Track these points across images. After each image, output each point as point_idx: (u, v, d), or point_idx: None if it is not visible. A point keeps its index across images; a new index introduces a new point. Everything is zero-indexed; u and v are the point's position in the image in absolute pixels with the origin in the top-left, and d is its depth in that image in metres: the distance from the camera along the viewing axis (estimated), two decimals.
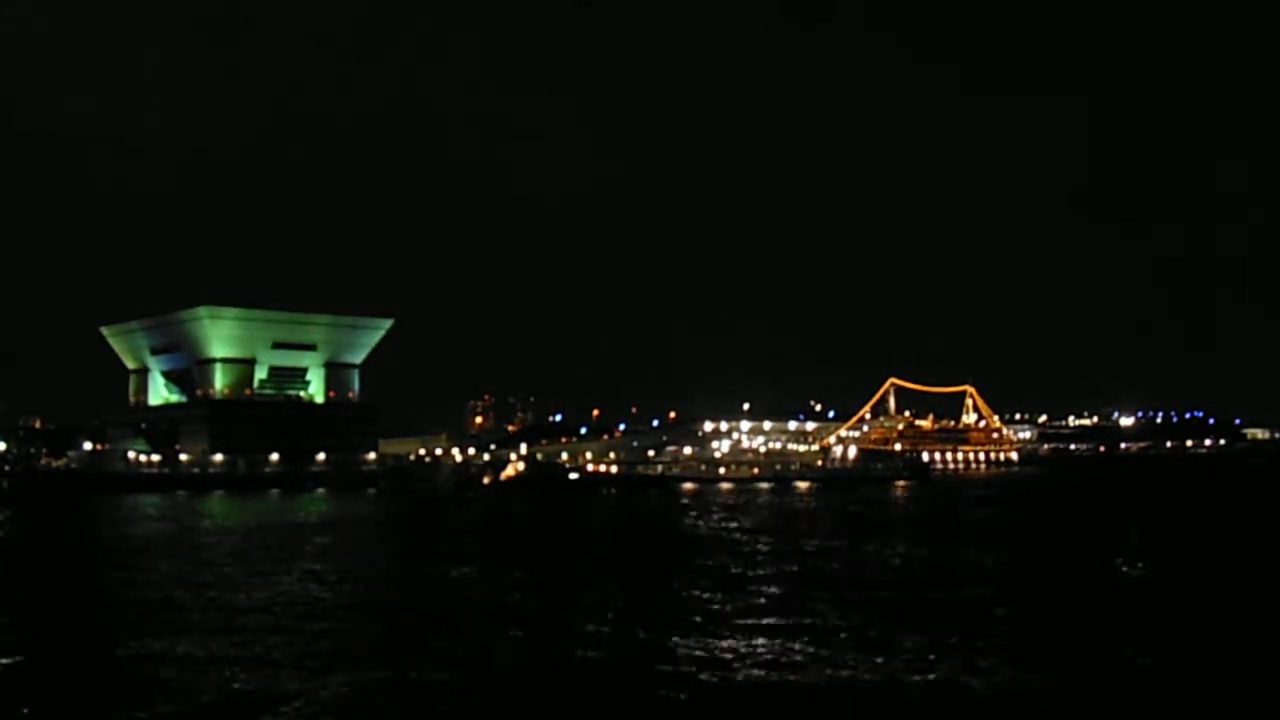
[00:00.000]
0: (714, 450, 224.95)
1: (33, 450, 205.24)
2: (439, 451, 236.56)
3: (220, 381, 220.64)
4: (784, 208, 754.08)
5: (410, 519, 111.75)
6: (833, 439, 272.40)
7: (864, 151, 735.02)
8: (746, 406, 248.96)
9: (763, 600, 45.20)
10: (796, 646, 34.85)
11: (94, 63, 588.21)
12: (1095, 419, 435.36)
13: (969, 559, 63.80)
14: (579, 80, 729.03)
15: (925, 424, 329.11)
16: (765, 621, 39.19)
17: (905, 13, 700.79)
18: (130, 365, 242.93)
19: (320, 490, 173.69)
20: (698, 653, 33.88)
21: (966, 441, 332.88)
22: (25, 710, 27.91)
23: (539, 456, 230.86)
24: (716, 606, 43.35)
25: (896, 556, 64.34)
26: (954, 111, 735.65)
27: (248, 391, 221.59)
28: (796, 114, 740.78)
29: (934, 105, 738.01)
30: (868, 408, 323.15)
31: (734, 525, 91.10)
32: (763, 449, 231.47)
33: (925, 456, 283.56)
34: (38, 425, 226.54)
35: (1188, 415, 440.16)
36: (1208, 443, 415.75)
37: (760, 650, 34.12)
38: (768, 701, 28.33)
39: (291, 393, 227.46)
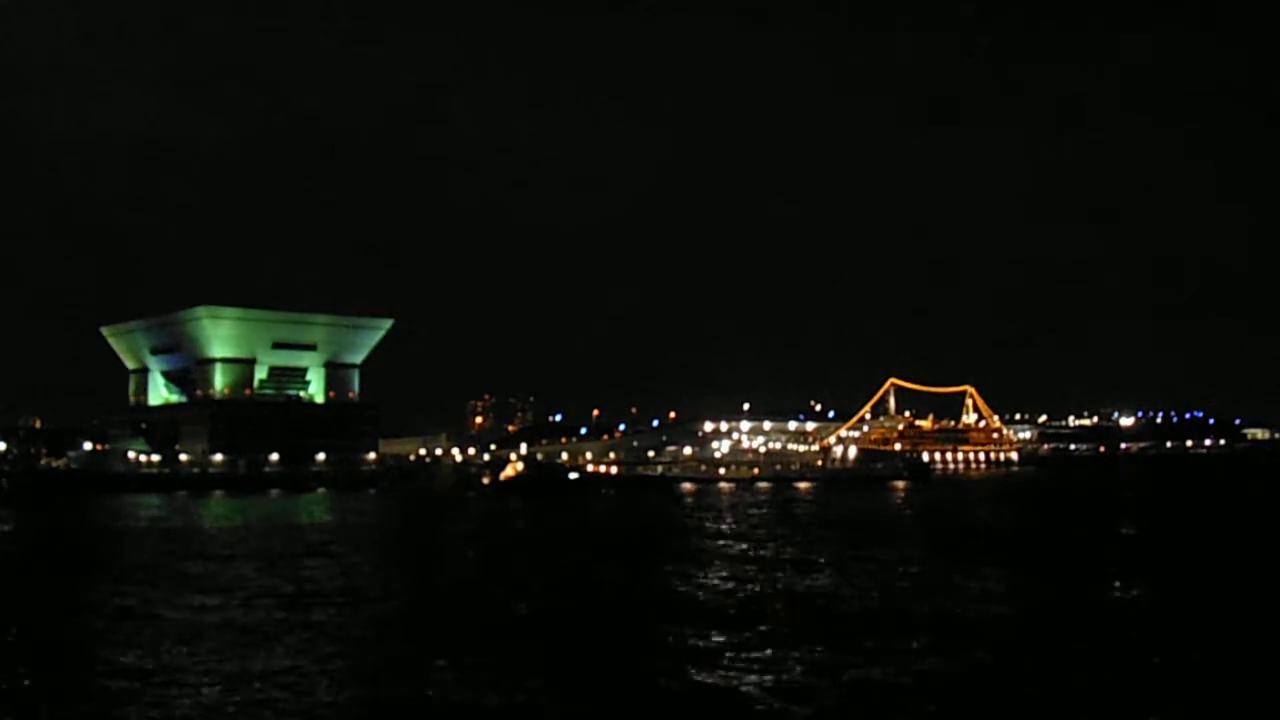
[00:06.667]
0: (714, 450, 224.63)
1: (33, 450, 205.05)
2: (439, 451, 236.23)
3: (220, 381, 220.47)
4: (785, 207, 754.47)
5: (409, 519, 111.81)
6: (833, 439, 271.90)
7: (865, 151, 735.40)
8: (746, 406, 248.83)
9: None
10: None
11: (94, 66, 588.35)
12: (1095, 419, 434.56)
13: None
14: (580, 81, 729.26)
15: (925, 424, 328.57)
16: None
17: (905, 9, 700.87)
18: (130, 365, 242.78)
19: (320, 490, 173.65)
20: None
21: (966, 441, 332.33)
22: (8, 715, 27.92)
23: (539, 456, 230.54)
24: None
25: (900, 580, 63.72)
26: (956, 118, 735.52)
27: (248, 391, 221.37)
28: (798, 114, 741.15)
29: (935, 104, 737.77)
30: (868, 408, 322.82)
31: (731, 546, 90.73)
32: (763, 449, 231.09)
33: (925, 456, 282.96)
34: (38, 425, 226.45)
35: (1188, 415, 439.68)
36: (1208, 443, 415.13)
37: None
38: None
39: (291, 393, 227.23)
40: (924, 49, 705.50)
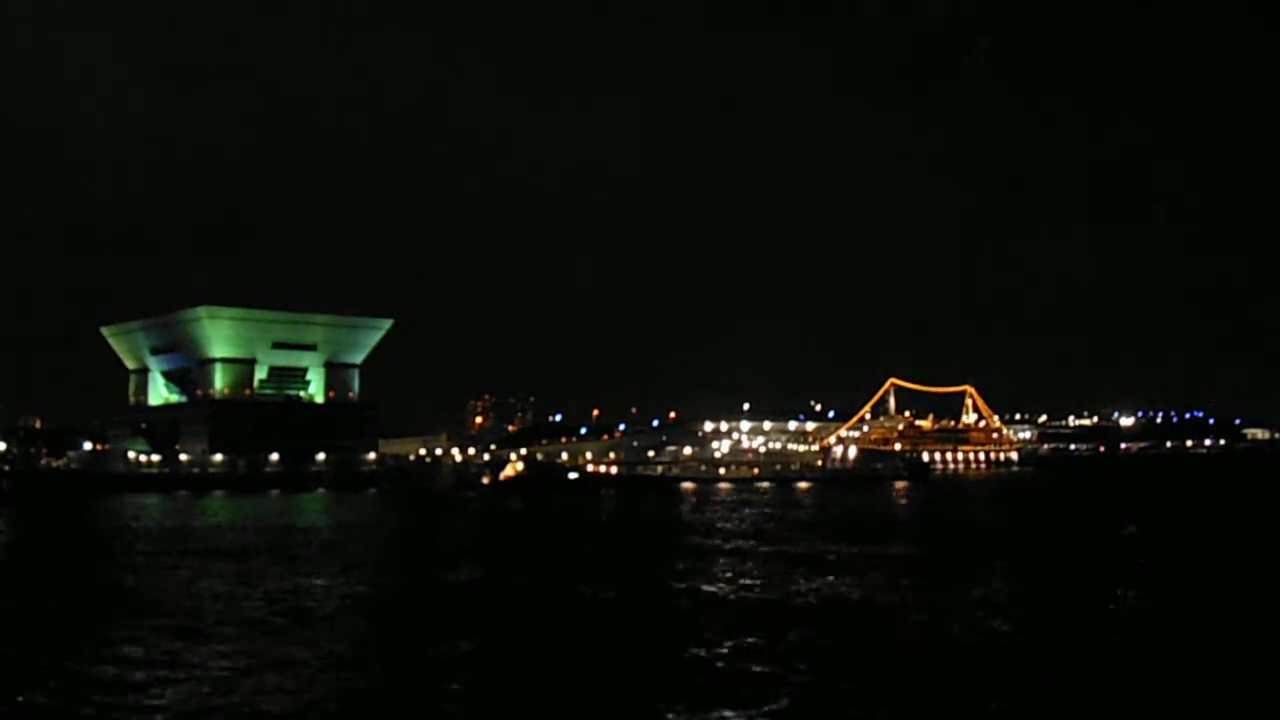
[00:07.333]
0: (714, 450, 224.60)
1: (33, 450, 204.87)
2: (439, 451, 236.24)
3: (220, 381, 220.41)
4: (785, 208, 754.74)
5: (409, 520, 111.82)
6: (833, 439, 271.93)
7: (866, 152, 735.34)
8: (746, 406, 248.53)
9: None
10: None
11: (94, 65, 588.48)
12: (1095, 419, 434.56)
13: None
14: (580, 80, 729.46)
15: (925, 424, 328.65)
16: None
17: (912, 9, 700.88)
18: (130, 365, 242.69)
19: (320, 490, 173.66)
20: None
21: (966, 441, 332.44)
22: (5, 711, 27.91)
23: (539, 456, 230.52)
24: None
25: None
26: (954, 114, 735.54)
27: (248, 391, 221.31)
28: (799, 114, 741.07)
29: (938, 108, 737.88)
30: (868, 408, 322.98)
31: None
32: (763, 449, 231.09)
33: (925, 456, 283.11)
34: (38, 425, 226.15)
35: (1188, 415, 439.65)
36: (1208, 443, 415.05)
37: None
38: None
39: (291, 393, 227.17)
40: (923, 49, 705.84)
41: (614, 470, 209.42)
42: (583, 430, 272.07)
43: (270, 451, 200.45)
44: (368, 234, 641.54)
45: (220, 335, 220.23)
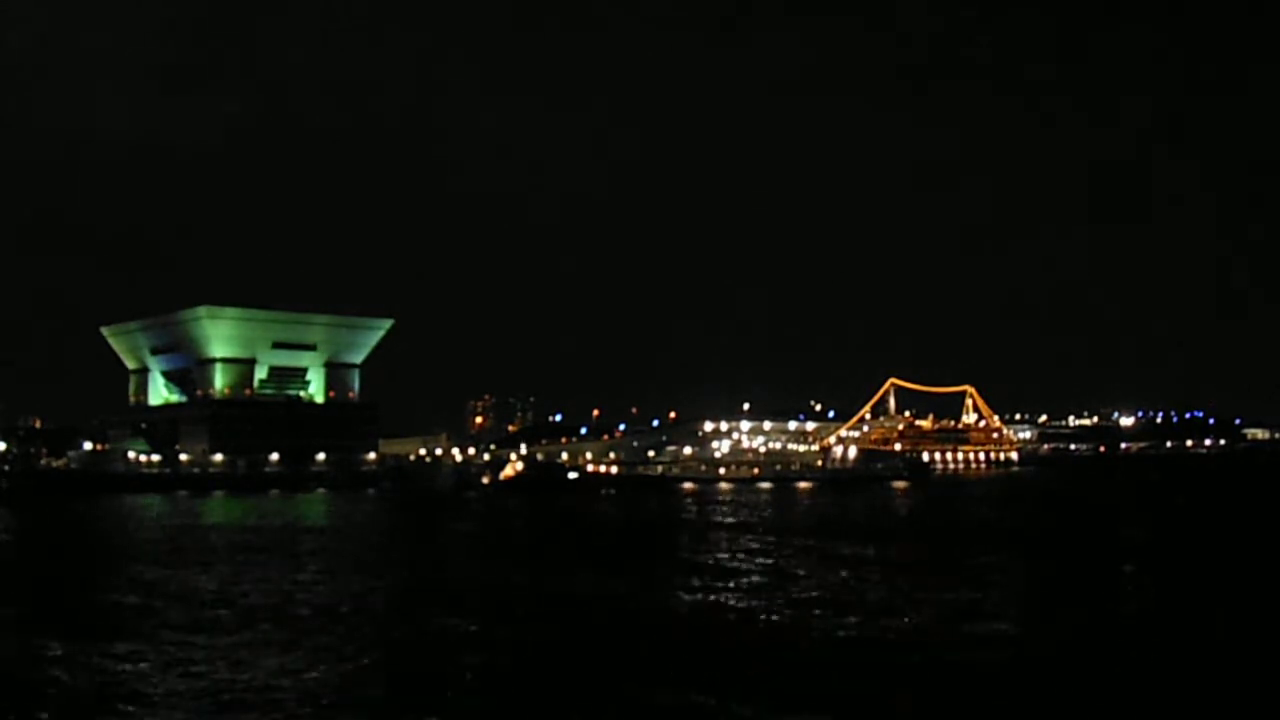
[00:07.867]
0: (714, 450, 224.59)
1: (33, 450, 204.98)
2: (439, 451, 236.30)
3: (220, 381, 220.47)
4: (785, 208, 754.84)
5: (409, 520, 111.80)
6: (833, 439, 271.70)
7: (866, 153, 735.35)
8: (746, 406, 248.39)
9: None
10: None
11: (93, 65, 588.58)
12: (1095, 419, 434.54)
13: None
14: (579, 81, 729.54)
15: (925, 424, 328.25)
16: None
17: (919, 13, 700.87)
18: (130, 365, 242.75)
19: (320, 490, 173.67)
20: None
21: (966, 441, 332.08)
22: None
23: (539, 456, 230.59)
24: None
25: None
26: (954, 114, 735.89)
27: (248, 391, 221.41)
28: (799, 115, 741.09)
29: (938, 108, 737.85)
30: (868, 408, 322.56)
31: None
32: (763, 449, 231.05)
33: (925, 456, 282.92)
34: (38, 425, 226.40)
35: (1188, 415, 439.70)
36: (1208, 443, 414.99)
37: None
38: None
39: (291, 393, 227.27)
40: (923, 49, 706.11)
41: (614, 470, 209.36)
42: (583, 430, 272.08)
43: (270, 451, 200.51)
44: (368, 234, 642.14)
45: (220, 335, 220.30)
